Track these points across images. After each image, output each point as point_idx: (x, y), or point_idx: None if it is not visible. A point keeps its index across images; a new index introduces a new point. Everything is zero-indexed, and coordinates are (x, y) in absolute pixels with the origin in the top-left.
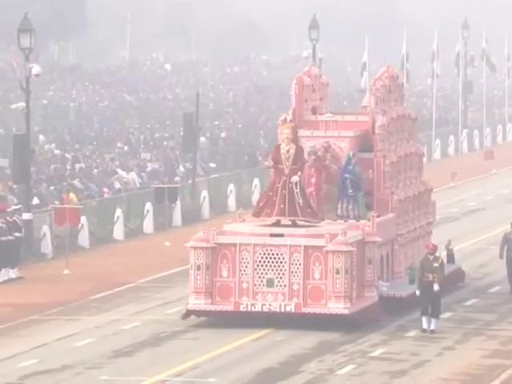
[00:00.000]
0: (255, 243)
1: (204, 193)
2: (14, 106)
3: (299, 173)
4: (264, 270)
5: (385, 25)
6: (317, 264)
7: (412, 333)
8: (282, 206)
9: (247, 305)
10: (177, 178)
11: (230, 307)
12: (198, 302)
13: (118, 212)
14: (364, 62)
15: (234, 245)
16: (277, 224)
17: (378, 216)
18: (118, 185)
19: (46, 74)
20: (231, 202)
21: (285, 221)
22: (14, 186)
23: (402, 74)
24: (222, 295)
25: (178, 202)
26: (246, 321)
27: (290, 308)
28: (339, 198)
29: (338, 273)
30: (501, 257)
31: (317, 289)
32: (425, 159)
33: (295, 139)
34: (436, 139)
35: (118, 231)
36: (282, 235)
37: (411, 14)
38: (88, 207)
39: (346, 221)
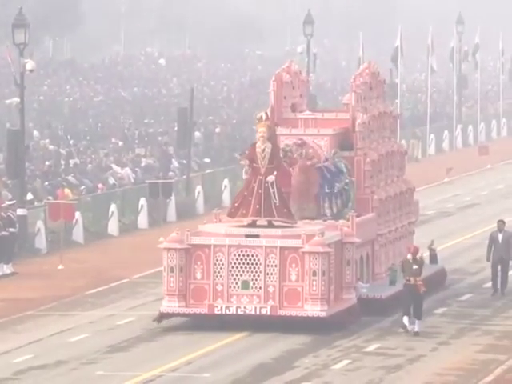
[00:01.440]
0: (230, 244)
1: (198, 188)
2: (8, 102)
3: (275, 172)
4: (239, 271)
5: (379, 20)
6: (293, 265)
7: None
8: (258, 206)
9: (222, 307)
10: (171, 174)
11: (204, 310)
12: (172, 305)
13: (113, 207)
14: (359, 57)
15: (208, 246)
16: (252, 225)
17: (357, 216)
18: (112, 180)
19: (41, 69)
20: (226, 197)
21: (261, 221)
22: (9, 182)
23: (395, 68)
24: (196, 298)
25: (173, 198)
26: (224, 322)
27: (266, 311)
28: (320, 196)
29: (314, 274)
30: (488, 259)
31: (293, 291)
32: (420, 155)
33: (272, 138)
34: (430, 134)
35: (113, 227)
36: (257, 236)
37: (406, 8)
38: (82, 203)
39: (325, 220)
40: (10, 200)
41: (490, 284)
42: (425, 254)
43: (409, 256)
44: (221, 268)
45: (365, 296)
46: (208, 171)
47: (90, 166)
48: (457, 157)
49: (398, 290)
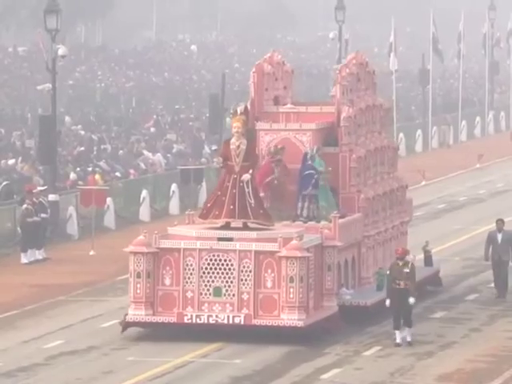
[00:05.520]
0: (201, 248)
1: None
2: (40, 87)
3: (251, 170)
4: (211, 277)
5: (411, 5)
6: (269, 271)
7: (438, 314)
8: (232, 206)
9: (192, 316)
10: (203, 160)
11: (172, 319)
12: (138, 313)
13: (144, 193)
14: (391, 43)
15: (178, 250)
16: (226, 227)
17: (341, 217)
18: (143, 166)
19: (73, 55)
20: None
21: (235, 223)
22: (40, 168)
23: (435, 55)
24: (165, 305)
25: (204, 184)
26: (192, 333)
27: (239, 320)
28: (298, 197)
29: (292, 281)
30: (486, 259)
31: (269, 298)
32: (451, 141)
33: (248, 133)
34: (462, 120)
35: (144, 212)
36: (230, 239)
37: None
38: (114, 188)
39: (305, 222)
40: (42, 186)
41: None
42: (418, 257)
43: (396, 259)
44: (191, 274)
45: (348, 303)
46: None
47: (121, 151)
48: (489, 143)
49: (385, 297)
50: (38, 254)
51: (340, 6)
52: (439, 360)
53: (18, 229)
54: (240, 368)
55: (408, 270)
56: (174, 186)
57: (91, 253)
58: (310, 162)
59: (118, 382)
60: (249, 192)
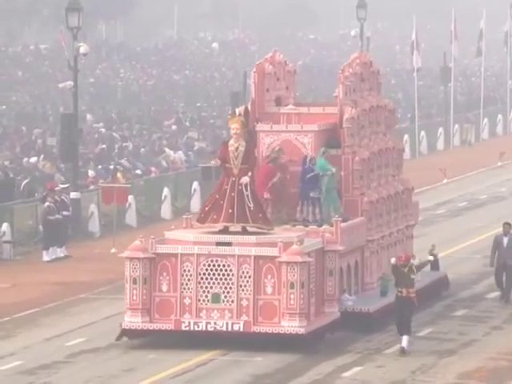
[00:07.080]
0: (199, 253)
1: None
2: (61, 85)
3: (250, 173)
4: (209, 283)
5: (433, 2)
6: (269, 277)
7: (459, 312)
8: (230, 210)
9: (190, 323)
10: None
11: (170, 326)
12: (134, 321)
13: (166, 191)
14: (412, 41)
15: (175, 255)
16: (224, 231)
17: (343, 220)
18: (165, 164)
19: (94, 52)
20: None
21: (234, 227)
22: (62, 165)
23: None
24: (162, 312)
25: None
26: (191, 340)
27: (238, 327)
28: (300, 200)
29: (292, 287)
30: (491, 264)
31: (269, 305)
32: (473, 139)
33: (248, 135)
34: (484, 118)
35: (166, 210)
36: (229, 244)
37: None
38: (135, 186)
39: (306, 226)
40: (64, 183)
41: None
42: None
43: (398, 263)
44: (189, 279)
45: (350, 309)
46: None
47: (142, 149)
48: (510, 141)
49: (389, 303)
50: (60, 252)
51: (361, 3)
52: (460, 358)
53: (40, 226)
54: (261, 366)
55: (414, 276)
56: (195, 184)
57: (112, 250)
58: (309, 165)
59: (138, 380)
60: (248, 195)
